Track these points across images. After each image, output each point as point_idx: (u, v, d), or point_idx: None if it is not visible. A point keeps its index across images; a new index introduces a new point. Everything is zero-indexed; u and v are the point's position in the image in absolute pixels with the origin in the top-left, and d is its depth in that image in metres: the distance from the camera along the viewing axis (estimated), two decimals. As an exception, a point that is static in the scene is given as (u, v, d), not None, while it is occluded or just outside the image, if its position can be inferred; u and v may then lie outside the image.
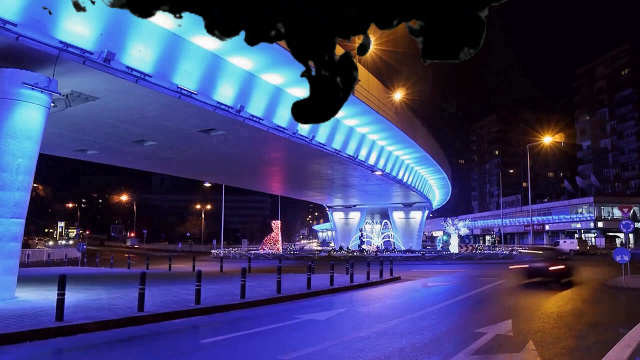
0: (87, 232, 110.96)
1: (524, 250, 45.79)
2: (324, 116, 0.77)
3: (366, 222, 58.47)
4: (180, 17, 0.73)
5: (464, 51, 0.75)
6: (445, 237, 55.61)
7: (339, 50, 0.74)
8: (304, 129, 25.55)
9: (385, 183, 43.70)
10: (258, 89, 21.76)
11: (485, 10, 0.73)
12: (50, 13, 13.27)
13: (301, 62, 0.75)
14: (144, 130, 23.45)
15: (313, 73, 0.77)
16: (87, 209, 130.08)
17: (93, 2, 0.80)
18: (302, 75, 0.77)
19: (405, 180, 44.71)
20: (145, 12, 0.72)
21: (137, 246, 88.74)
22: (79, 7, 0.81)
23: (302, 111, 0.77)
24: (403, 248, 53.88)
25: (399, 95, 31.70)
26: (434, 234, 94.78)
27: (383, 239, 55.81)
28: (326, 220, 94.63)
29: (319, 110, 0.77)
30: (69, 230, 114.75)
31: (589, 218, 70.10)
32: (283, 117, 23.83)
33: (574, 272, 19.86)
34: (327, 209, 64.29)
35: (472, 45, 0.74)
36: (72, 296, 13.26)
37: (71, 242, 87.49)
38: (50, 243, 72.82)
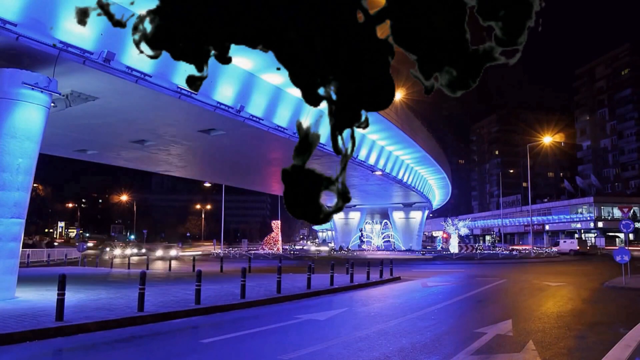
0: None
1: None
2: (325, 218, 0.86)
3: (366, 222, 58.44)
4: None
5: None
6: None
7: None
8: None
9: (385, 183, 43.69)
10: (258, 89, 21.74)
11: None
12: (51, 28, 13.26)
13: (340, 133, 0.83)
14: (144, 130, 23.44)
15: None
16: (87, 209, 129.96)
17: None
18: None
19: (405, 180, 44.70)
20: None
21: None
22: (81, 20, 0.85)
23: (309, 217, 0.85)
24: (403, 248, 53.86)
25: (399, 95, 31.64)
26: (434, 234, 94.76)
27: (383, 239, 55.79)
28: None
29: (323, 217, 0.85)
30: (69, 230, 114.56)
31: (589, 218, 70.13)
32: (283, 117, 23.81)
33: None
34: (327, 208, 64.16)
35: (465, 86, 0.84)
36: (72, 296, 13.25)
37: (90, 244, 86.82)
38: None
